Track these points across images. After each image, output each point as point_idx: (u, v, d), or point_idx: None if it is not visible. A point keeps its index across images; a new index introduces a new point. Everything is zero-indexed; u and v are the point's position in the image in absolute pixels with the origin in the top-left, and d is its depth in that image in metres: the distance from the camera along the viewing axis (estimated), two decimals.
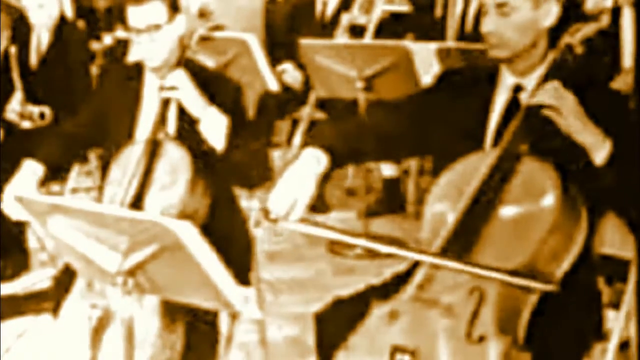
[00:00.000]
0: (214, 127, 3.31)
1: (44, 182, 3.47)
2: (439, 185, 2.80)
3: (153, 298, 2.97)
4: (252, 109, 5.61)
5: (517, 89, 2.83)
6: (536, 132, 2.67)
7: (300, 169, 2.70)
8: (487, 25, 2.78)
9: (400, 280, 2.72)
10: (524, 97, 2.79)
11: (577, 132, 2.60)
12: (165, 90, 3.32)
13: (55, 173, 3.56)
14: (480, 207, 2.63)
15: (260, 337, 3.89)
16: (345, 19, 5.80)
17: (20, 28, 5.11)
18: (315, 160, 2.71)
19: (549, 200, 2.57)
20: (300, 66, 5.61)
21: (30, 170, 3.42)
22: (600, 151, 2.60)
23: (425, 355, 2.47)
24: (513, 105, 2.81)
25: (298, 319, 4.43)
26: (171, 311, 3.05)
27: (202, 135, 3.32)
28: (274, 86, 5.15)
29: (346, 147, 2.80)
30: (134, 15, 3.34)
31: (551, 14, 2.76)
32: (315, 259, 5.37)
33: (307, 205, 2.65)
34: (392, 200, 6.12)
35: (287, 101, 5.93)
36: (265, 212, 2.62)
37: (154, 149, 3.30)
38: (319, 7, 6.07)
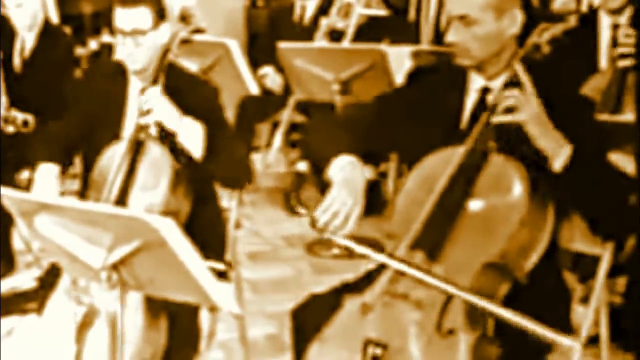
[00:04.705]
0: (191, 137, 3.34)
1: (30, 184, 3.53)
2: (409, 180, 2.84)
3: (136, 295, 3.01)
4: (233, 113, 5.68)
5: (485, 90, 2.88)
6: (502, 131, 2.71)
7: (351, 179, 2.75)
8: (450, 36, 2.83)
9: (373, 274, 2.77)
10: (490, 99, 2.84)
11: (537, 138, 2.64)
12: (141, 115, 3.35)
13: None
14: (450, 202, 2.67)
15: (240, 335, 3.93)
16: (324, 23, 5.85)
17: (5, 34, 5.12)
18: (360, 170, 2.78)
19: (517, 194, 2.62)
20: (281, 70, 5.64)
21: (47, 171, 3.51)
22: (558, 158, 2.64)
23: (396, 348, 2.52)
24: (481, 105, 2.86)
25: (277, 316, 4.48)
26: (154, 308, 3.10)
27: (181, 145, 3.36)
28: (254, 90, 5.18)
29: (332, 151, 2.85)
30: (121, 17, 3.41)
31: (516, 22, 2.79)
32: (295, 259, 5.42)
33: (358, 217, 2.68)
34: (371, 202, 6.13)
35: (267, 104, 5.98)
36: (313, 222, 2.65)
37: (136, 149, 3.34)
38: (297, 11, 6.12)
